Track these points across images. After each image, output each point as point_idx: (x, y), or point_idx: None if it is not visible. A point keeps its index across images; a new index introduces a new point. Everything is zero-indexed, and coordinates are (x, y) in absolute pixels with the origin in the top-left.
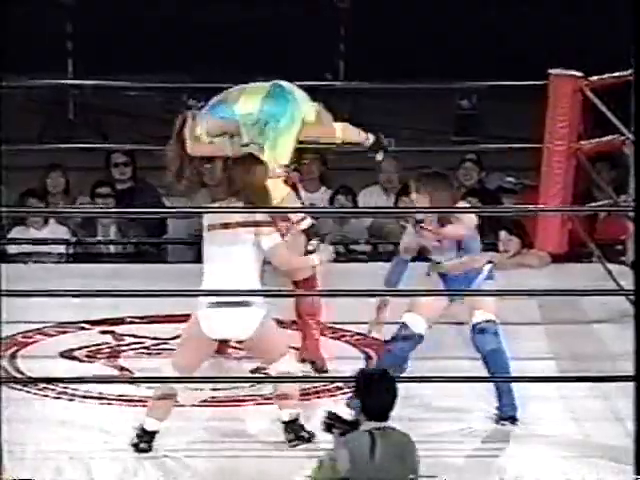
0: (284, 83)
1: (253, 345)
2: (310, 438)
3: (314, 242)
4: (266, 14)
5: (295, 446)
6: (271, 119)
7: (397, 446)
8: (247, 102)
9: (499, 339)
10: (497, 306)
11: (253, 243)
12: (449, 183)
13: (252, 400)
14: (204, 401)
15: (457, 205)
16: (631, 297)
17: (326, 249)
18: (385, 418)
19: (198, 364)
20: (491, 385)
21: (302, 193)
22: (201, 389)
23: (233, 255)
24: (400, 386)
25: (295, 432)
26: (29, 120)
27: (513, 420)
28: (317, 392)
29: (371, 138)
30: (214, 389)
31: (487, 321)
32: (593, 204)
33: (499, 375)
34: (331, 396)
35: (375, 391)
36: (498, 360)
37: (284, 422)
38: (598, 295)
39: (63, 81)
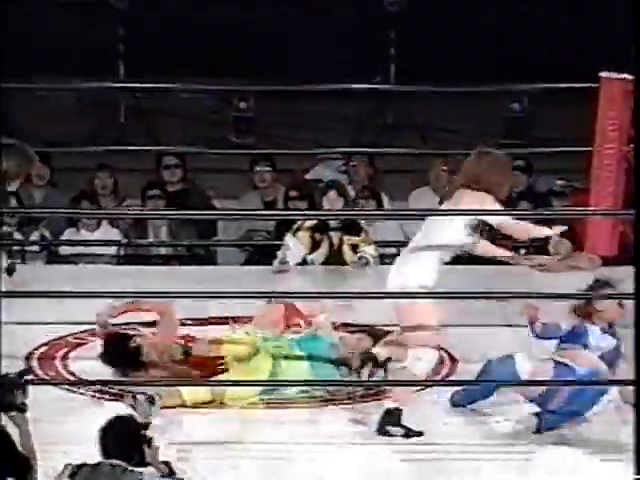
0: None
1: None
2: (408, 434)
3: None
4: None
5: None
6: None
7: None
8: None
9: None
10: None
11: None
12: None
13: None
14: (252, 404)
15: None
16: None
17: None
18: None
19: None
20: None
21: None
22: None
23: None
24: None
25: (385, 422)
26: (81, 123)
27: None
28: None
29: None
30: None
31: None
32: None
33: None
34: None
35: None
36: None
37: (385, 409)
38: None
39: (114, 84)
